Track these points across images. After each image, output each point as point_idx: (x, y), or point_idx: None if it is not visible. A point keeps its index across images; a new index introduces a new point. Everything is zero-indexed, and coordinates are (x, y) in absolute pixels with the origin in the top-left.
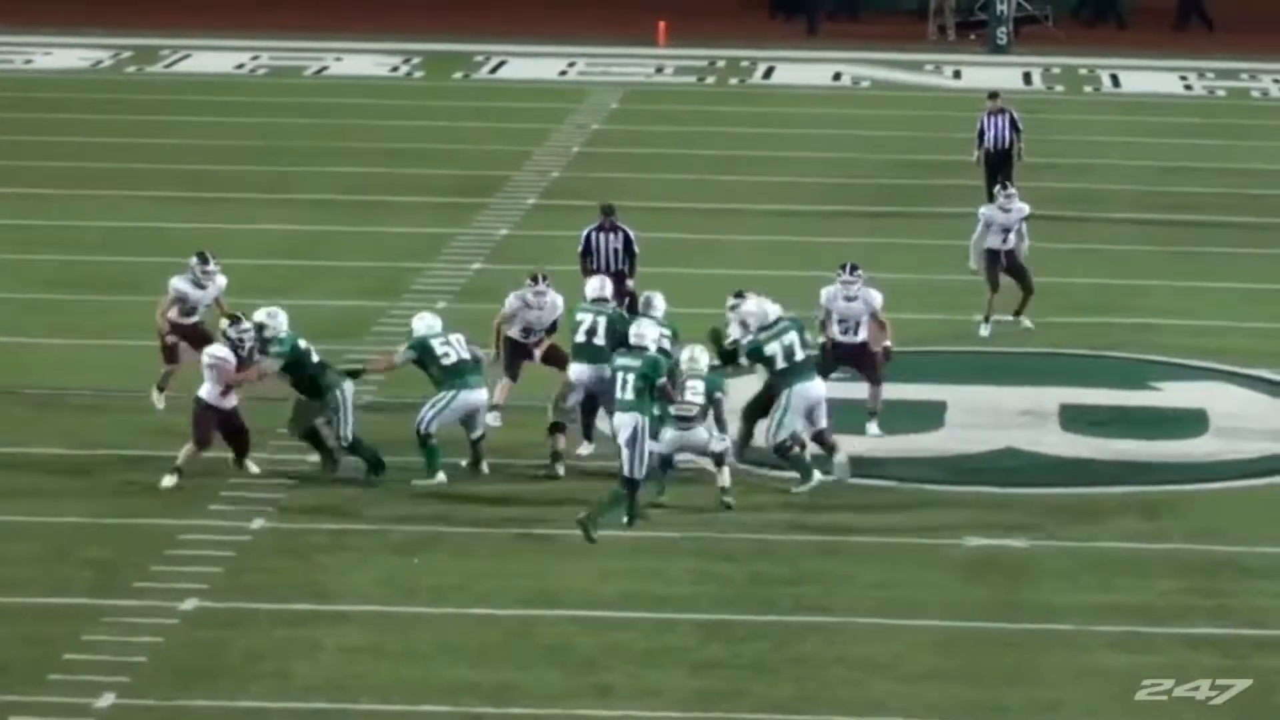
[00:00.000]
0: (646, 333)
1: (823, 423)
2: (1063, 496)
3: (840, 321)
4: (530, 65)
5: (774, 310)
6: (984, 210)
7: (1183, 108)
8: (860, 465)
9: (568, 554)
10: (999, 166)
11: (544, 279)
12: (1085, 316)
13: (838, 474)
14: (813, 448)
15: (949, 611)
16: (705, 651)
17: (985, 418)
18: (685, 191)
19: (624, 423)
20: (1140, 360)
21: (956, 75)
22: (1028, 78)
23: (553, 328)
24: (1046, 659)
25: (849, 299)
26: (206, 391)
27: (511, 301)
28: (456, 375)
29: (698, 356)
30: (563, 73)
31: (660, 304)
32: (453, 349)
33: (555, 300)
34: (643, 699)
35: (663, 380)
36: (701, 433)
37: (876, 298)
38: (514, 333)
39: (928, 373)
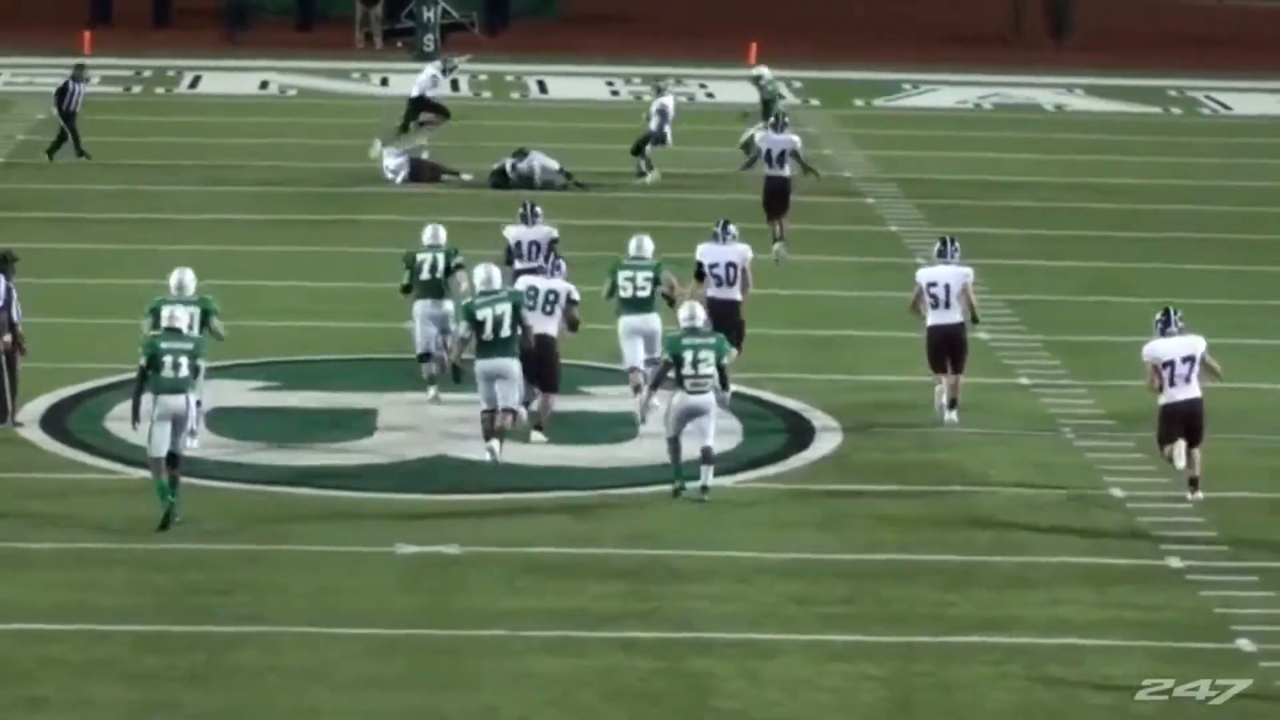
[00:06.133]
0: None
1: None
2: (494, 502)
3: None
4: None
5: (497, 278)
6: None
7: (610, 114)
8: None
9: (3, 565)
10: None
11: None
12: None
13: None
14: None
15: (383, 619)
16: (140, 663)
17: (417, 425)
18: (114, 202)
19: None
20: (572, 365)
21: (384, 82)
22: (455, 84)
23: None
24: (481, 664)
25: None
26: None
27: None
28: None
29: (697, 314)
30: None
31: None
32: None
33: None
34: (77, 711)
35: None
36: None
37: None
38: None
39: (359, 381)
